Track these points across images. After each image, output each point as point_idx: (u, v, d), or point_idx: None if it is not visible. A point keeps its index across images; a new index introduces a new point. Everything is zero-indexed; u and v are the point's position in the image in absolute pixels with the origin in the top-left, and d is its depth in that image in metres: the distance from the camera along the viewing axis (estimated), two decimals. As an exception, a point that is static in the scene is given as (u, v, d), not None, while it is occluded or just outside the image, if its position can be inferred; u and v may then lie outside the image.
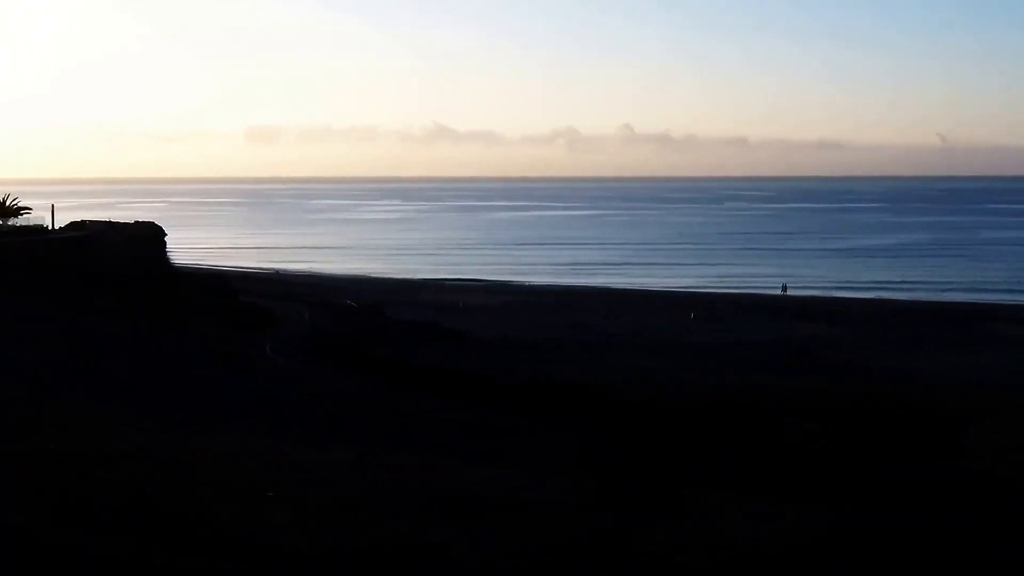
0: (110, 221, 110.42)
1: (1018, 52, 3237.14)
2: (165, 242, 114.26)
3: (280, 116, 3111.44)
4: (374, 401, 62.76)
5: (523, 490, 40.90)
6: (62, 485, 24.73)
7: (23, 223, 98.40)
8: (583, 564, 30.49)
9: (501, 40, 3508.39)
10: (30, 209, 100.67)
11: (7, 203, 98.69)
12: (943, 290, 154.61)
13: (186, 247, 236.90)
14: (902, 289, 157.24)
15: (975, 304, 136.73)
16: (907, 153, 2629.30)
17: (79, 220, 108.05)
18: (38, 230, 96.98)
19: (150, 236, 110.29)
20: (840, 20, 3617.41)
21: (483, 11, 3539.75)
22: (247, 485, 35.01)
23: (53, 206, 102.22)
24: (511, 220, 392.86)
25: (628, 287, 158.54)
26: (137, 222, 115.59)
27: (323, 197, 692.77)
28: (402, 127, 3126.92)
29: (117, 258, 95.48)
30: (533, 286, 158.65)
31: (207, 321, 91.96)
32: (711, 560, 30.95)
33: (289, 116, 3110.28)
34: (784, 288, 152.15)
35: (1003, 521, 37.27)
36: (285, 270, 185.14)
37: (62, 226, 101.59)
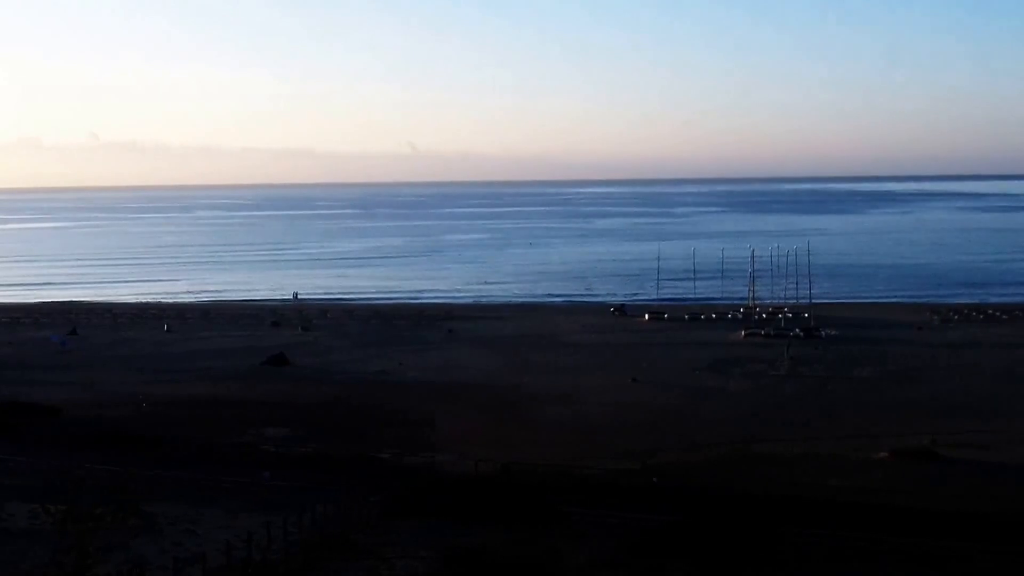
0: None
1: (488, 58, 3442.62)
2: None
3: None
4: None
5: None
6: None
7: None
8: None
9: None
10: None
11: None
12: (413, 296, 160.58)
13: None
14: (375, 293, 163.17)
15: (441, 305, 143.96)
16: (379, 160, 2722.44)
17: None
18: None
19: None
20: (322, 27, 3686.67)
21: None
22: None
23: None
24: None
25: (94, 300, 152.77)
26: None
27: None
28: None
29: None
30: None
31: None
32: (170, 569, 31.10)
33: None
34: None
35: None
36: None
37: None
